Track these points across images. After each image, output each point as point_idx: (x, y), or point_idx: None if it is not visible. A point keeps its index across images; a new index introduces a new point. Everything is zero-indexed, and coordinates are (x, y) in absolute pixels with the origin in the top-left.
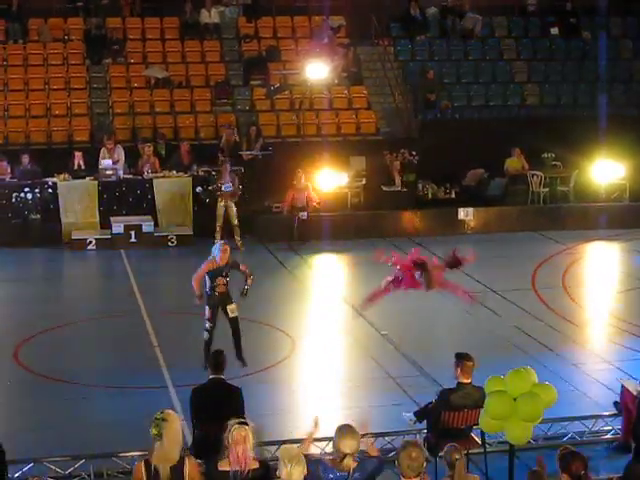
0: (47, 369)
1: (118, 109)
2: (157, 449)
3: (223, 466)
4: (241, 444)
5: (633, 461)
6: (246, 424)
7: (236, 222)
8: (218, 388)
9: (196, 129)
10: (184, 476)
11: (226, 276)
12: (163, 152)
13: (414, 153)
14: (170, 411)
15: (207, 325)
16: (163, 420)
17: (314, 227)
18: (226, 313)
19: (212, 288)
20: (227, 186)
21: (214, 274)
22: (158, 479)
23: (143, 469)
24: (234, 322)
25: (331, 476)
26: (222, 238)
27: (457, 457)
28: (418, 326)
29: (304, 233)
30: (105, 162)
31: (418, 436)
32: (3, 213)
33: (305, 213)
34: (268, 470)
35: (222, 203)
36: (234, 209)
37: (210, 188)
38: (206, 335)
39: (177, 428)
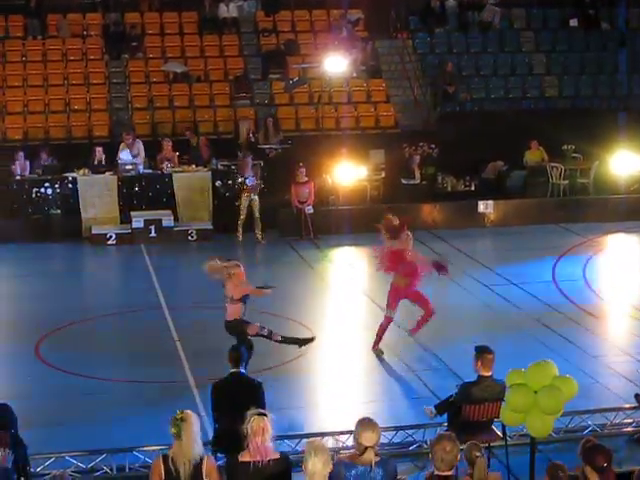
0: (68, 364)
1: (137, 104)
2: (176, 447)
3: (244, 457)
4: (260, 435)
5: None
6: (265, 415)
7: (258, 215)
8: (239, 382)
9: (215, 123)
10: (202, 473)
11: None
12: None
13: (433, 146)
14: (189, 411)
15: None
16: (182, 420)
17: (333, 221)
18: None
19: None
20: (250, 180)
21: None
22: (177, 474)
23: (162, 465)
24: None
25: (353, 472)
26: (244, 232)
27: (477, 454)
28: (438, 319)
29: (316, 227)
30: (123, 155)
31: (439, 429)
32: (23, 208)
33: (310, 207)
34: (288, 462)
35: (246, 197)
36: (257, 202)
37: (230, 182)
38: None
39: (195, 428)
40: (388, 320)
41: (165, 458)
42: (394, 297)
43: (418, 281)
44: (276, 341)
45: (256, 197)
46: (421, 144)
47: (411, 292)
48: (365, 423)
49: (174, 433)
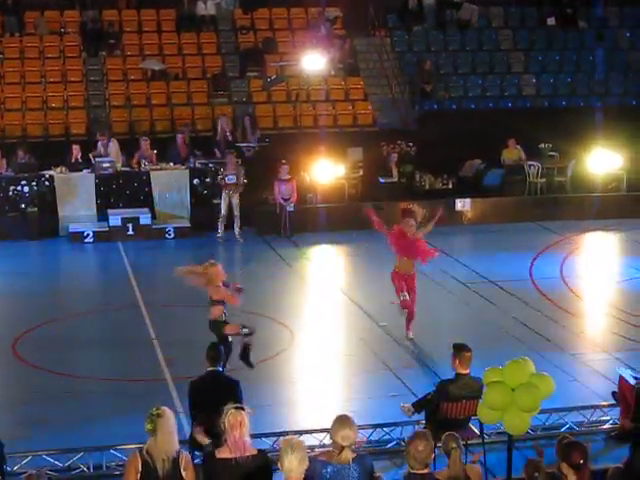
0: (45, 362)
1: (115, 102)
2: (152, 443)
3: (222, 453)
4: (237, 428)
5: (632, 451)
6: (242, 409)
7: (237, 213)
8: (216, 380)
9: (193, 121)
10: (179, 468)
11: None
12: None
13: (411, 144)
14: (165, 408)
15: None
16: (158, 416)
17: (311, 218)
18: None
19: None
20: (230, 177)
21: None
22: (153, 469)
23: (139, 458)
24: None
25: (329, 469)
26: (225, 229)
27: (453, 446)
28: (416, 317)
29: (293, 225)
30: (97, 159)
31: (416, 427)
32: (0, 206)
33: (292, 204)
34: (266, 458)
35: (226, 194)
36: (237, 200)
37: (208, 180)
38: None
39: (171, 424)
40: (405, 303)
41: (142, 452)
42: (396, 279)
43: (418, 257)
44: (245, 344)
45: (236, 195)
46: (399, 142)
47: (409, 282)
48: (342, 421)
49: (150, 429)
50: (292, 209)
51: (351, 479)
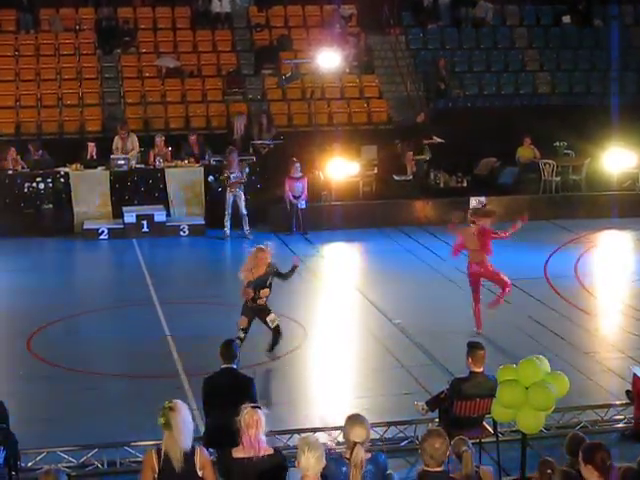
0: (59, 358)
1: (130, 99)
2: (166, 438)
3: (237, 453)
4: (253, 428)
5: None
6: (259, 408)
7: (245, 211)
8: (230, 377)
9: (207, 118)
10: (195, 465)
11: (270, 287)
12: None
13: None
14: (178, 400)
15: (241, 334)
16: (170, 409)
17: (325, 216)
18: (266, 324)
19: (253, 299)
20: (235, 175)
21: (256, 285)
22: (170, 466)
23: (155, 456)
24: (276, 331)
25: (344, 469)
26: (231, 227)
27: (464, 449)
28: (430, 315)
29: (306, 222)
30: (112, 155)
31: (430, 425)
32: (15, 203)
33: (303, 202)
34: (282, 456)
35: (231, 192)
36: (243, 198)
37: (219, 177)
38: (237, 342)
39: (185, 417)
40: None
41: (159, 452)
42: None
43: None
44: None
45: (241, 193)
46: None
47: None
48: (354, 419)
49: (162, 423)
50: (304, 206)
51: (366, 479)
